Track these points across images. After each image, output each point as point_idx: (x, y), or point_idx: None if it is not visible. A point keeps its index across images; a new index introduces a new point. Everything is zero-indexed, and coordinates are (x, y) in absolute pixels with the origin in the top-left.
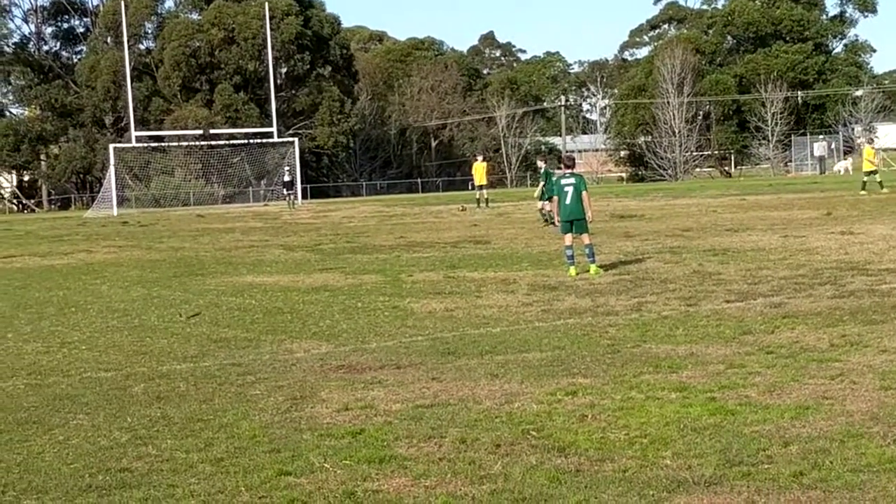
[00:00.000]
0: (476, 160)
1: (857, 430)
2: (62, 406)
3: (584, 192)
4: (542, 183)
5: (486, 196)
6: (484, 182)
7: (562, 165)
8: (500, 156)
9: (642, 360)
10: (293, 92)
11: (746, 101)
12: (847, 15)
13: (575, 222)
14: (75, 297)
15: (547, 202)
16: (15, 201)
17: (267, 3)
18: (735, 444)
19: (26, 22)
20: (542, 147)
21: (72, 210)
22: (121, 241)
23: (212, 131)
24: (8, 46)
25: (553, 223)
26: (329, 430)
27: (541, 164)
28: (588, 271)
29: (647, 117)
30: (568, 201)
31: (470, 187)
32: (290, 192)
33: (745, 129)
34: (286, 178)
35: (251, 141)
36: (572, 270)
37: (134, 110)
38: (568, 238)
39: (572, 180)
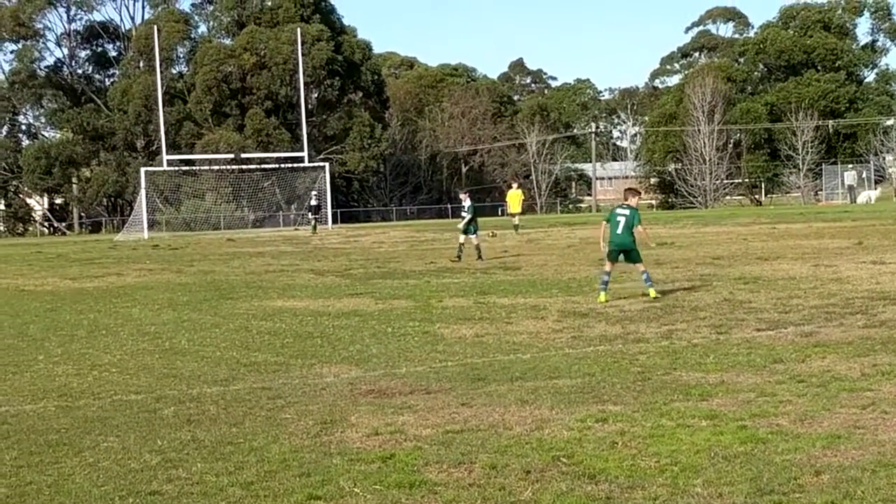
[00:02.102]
0: (511, 188)
1: (889, 460)
2: (92, 428)
3: (638, 227)
4: (468, 217)
5: (516, 222)
6: (518, 210)
7: (625, 195)
8: (530, 182)
9: (673, 387)
10: (324, 117)
11: (777, 130)
12: (879, 44)
13: (626, 252)
14: (106, 320)
15: (473, 236)
16: (46, 224)
17: (299, 29)
18: (766, 473)
19: (59, 46)
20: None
21: (103, 233)
22: (151, 265)
23: (243, 155)
24: (41, 70)
25: (459, 257)
26: (359, 455)
27: (463, 196)
28: (647, 294)
29: (678, 145)
30: (619, 230)
31: (500, 213)
32: (315, 216)
33: (775, 158)
34: (313, 202)
35: (282, 165)
36: (602, 296)
37: (165, 134)
38: (608, 264)
39: (627, 212)
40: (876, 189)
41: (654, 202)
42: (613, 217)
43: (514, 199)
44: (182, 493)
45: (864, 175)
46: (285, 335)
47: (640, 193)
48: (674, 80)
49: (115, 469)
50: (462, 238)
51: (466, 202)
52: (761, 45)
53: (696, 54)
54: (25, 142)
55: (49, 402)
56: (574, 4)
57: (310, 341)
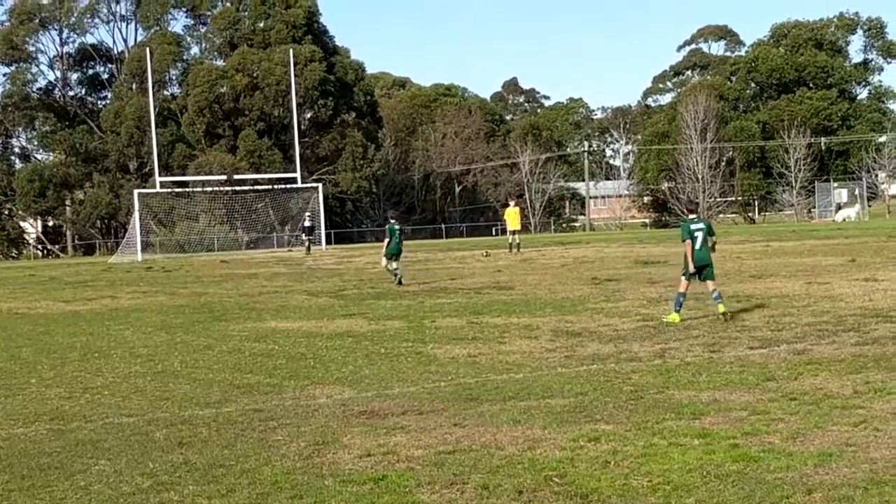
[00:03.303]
0: (509, 205)
1: (881, 478)
2: (84, 451)
3: (712, 238)
4: (387, 240)
5: (517, 241)
6: (517, 227)
7: (685, 210)
8: (524, 201)
9: (665, 406)
10: (317, 137)
11: (770, 148)
12: (871, 61)
13: (704, 269)
14: (98, 343)
15: (384, 259)
16: (39, 247)
17: (291, 50)
18: (758, 492)
19: (52, 68)
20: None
21: (96, 255)
22: (145, 287)
23: (236, 177)
24: (34, 92)
25: (400, 280)
26: (351, 477)
27: (393, 219)
28: (718, 310)
29: (671, 163)
30: (698, 246)
31: (494, 232)
32: (309, 237)
33: (768, 175)
34: (306, 224)
35: (275, 186)
36: (675, 316)
37: (158, 156)
38: (684, 284)
39: (701, 225)
40: (854, 207)
41: (647, 221)
42: (691, 234)
43: (513, 216)
44: None
45: (856, 192)
46: (278, 357)
47: (698, 204)
48: (666, 99)
49: (107, 492)
50: (384, 262)
51: (393, 223)
52: (753, 64)
53: (689, 73)
54: (18, 164)
55: (41, 425)
56: (567, 24)
57: (302, 362)
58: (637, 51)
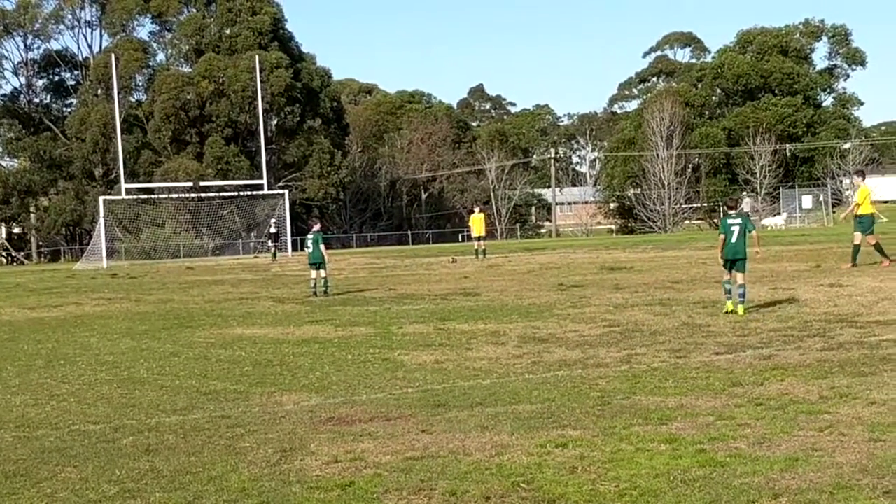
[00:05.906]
0: (473, 212)
1: (847, 482)
2: (50, 459)
3: (753, 232)
4: (310, 249)
5: (483, 247)
6: (482, 233)
7: (725, 206)
8: (490, 208)
9: (632, 411)
10: (284, 144)
11: (735, 154)
12: (836, 68)
13: (737, 262)
14: (64, 350)
15: (322, 270)
16: (3, 253)
17: (257, 57)
18: (725, 496)
19: (16, 75)
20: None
21: (61, 262)
22: (110, 294)
23: (202, 183)
24: None
25: (316, 292)
26: (318, 483)
27: (316, 226)
28: (735, 312)
29: (637, 170)
30: (734, 240)
31: (460, 239)
32: (275, 244)
33: (734, 182)
34: (272, 230)
35: (241, 193)
36: (729, 304)
37: (124, 163)
38: (727, 274)
39: (739, 220)
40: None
41: (613, 227)
42: (727, 228)
43: (478, 222)
44: None
45: (821, 198)
46: (245, 363)
47: (738, 201)
48: (632, 106)
49: (73, 500)
50: (315, 274)
51: (317, 230)
52: (719, 70)
53: (654, 79)
54: None
55: (6, 432)
56: (533, 31)
57: (269, 369)
58: (603, 58)
